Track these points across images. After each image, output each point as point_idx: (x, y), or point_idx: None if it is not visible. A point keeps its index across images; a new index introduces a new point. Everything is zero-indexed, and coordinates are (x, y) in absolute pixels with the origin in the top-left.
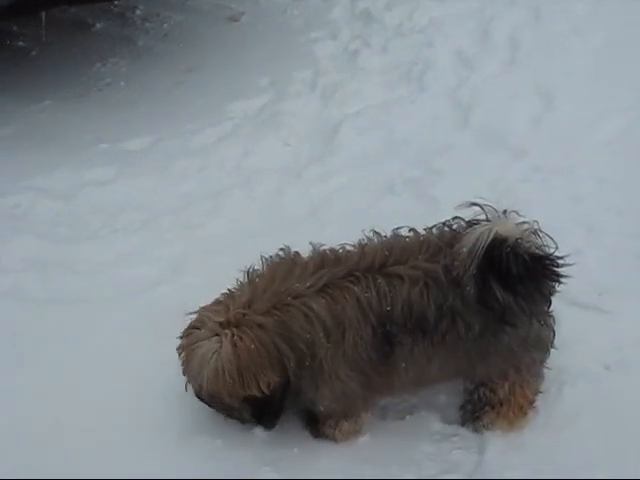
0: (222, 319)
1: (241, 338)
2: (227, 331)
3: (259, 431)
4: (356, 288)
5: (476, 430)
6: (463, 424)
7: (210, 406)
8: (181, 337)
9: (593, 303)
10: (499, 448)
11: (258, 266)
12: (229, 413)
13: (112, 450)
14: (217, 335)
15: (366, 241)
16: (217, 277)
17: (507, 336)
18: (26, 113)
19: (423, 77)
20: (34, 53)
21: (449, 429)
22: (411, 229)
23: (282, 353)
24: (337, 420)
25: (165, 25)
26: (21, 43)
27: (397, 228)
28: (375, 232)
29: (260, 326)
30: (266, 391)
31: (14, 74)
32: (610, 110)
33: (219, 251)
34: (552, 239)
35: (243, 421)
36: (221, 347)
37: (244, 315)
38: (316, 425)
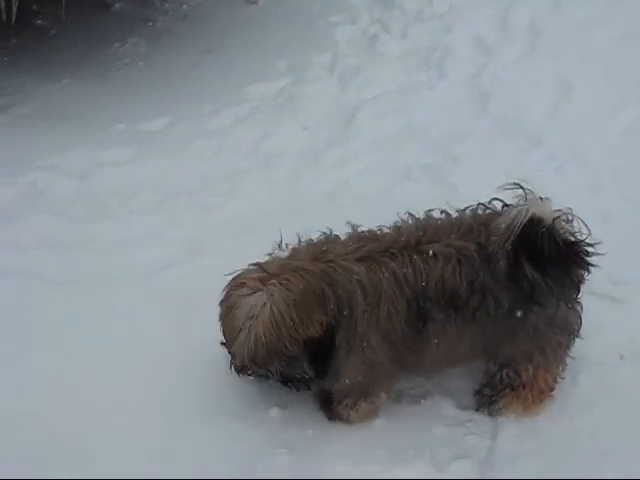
0: (262, 274)
1: (288, 280)
2: (273, 280)
3: (274, 412)
4: (393, 263)
5: (491, 414)
6: (478, 408)
7: (263, 371)
8: (220, 304)
9: (609, 293)
10: (512, 435)
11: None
12: (287, 369)
13: (128, 431)
14: (260, 290)
15: (400, 222)
16: (233, 259)
17: (534, 315)
18: (44, 92)
19: (442, 63)
20: (53, 32)
21: (463, 414)
22: (443, 211)
23: (325, 295)
24: (355, 400)
25: (184, 6)
26: (40, 22)
27: (429, 210)
28: (410, 214)
29: (303, 268)
30: (321, 331)
31: (33, 53)
32: (627, 101)
33: (236, 233)
34: (586, 226)
35: (299, 382)
36: (272, 296)
37: (284, 265)
38: (330, 406)
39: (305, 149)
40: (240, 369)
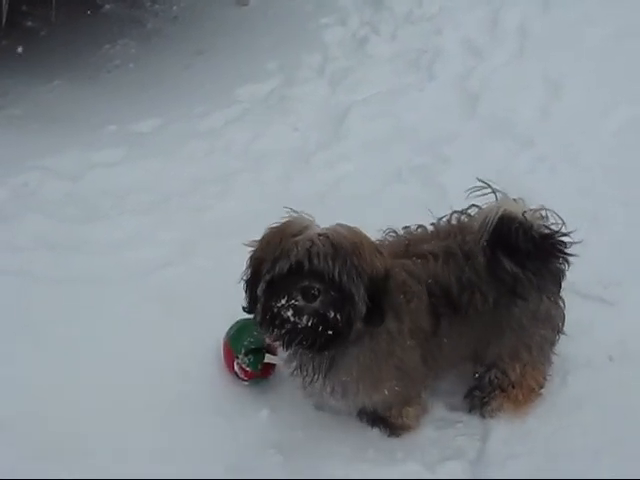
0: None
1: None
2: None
3: (265, 414)
4: (403, 260)
5: (483, 415)
6: (470, 410)
7: (308, 280)
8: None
9: (598, 294)
10: (502, 436)
11: None
12: (346, 303)
13: (122, 431)
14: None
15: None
16: (225, 260)
17: (518, 309)
18: (35, 94)
19: (432, 65)
20: (43, 33)
21: (453, 416)
22: (419, 226)
23: None
24: (400, 408)
25: (175, 8)
26: (30, 23)
27: (406, 226)
28: (391, 229)
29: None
30: (385, 272)
31: (23, 54)
32: (618, 101)
33: (227, 234)
34: (561, 218)
35: (351, 323)
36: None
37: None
38: (385, 422)
39: (295, 150)
40: (286, 272)
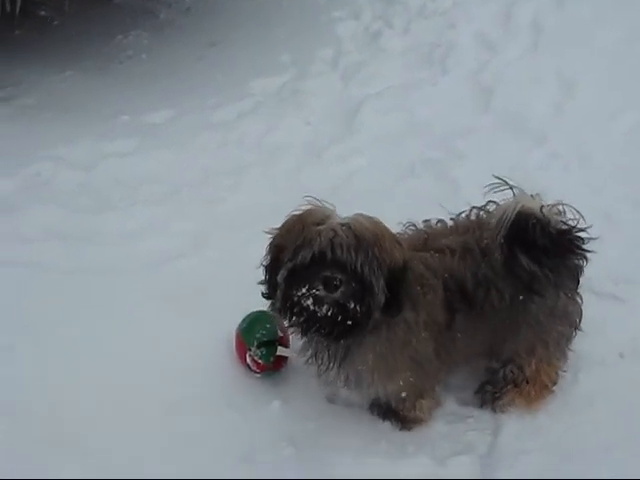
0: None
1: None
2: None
3: (276, 405)
4: (422, 254)
5: (495, 410)
6: (482, 405)
7: (331, 270)
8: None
9: (610, 291)
10: (513, 431)
11: None
12: (366, 294)
13: (131, 423)
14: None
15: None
16: (237, 252)
17: (535, 306)
18: (47, 83)
19: (445, 59)
20: (56, 23)
21: (464, 410)
22: (439, 220)
23: None
24: (413, 401)
25: None
26: (43, 13)
27: (426, 220)
28: (410, 223)
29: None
30: (403, 264)
31: (36, 44)
32: (631, 100)
33: (240, 226)
34: (579, 213)
35: (371, 309)
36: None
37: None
38: (396, 415)
39: (308, 144)
40: (306, 261)
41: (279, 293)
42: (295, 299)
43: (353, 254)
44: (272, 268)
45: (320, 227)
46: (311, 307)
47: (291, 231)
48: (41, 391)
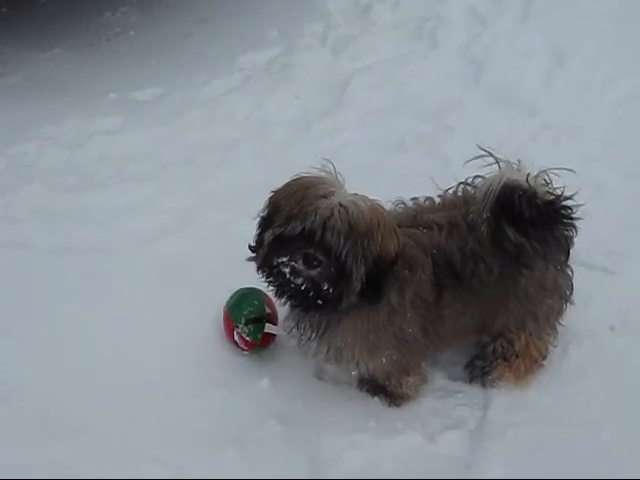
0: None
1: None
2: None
3: (265, 383)
4: (412, 230)
5: (484, 385)
6: (471, 380)
7: (318, 249)
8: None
9: (600, 264)
10: (503, 405)
11: None
12: (341, 281)
13: (122, 402)
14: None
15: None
16: (226, 229)
17: (524, 279)
18: (34, 61)
19: (435, 33)
20: (43, 0)
21: (453, 385)
22: (427, 198)
23: None
24: (398, 378)
25: None
26: None
27: (414, 198)
28: (400, 200)
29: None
30: (395, 255)
31: (23, 21)
32: (621, 72)
33: (228, 203)
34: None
35: (350, 294)
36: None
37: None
38: (385, 392)
39: (297, 118)
40: (296, 234)
41: (262, 252)
42: (274, 263)
43: (342, 241)
44: (264, 223)
45: (319, 202)
46: (287, 275)
47: (291, 196)
48: (26, 371)
